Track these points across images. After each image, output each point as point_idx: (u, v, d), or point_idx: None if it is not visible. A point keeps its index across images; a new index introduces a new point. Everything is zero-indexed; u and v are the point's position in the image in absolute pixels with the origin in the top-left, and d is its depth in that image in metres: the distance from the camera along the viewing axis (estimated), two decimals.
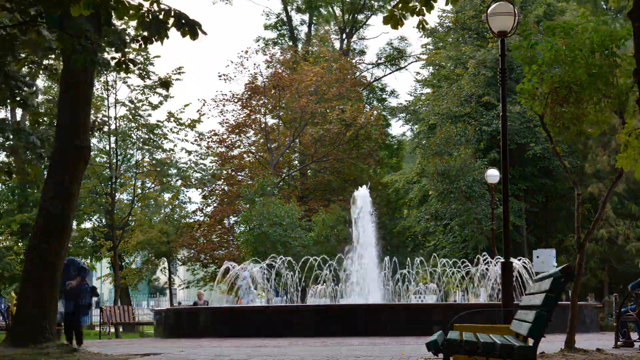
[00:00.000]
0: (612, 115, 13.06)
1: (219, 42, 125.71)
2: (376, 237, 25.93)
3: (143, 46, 9.84)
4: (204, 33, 9.34)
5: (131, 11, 9.22)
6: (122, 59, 11.90)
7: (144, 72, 33.52)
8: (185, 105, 39.07)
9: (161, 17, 9.31)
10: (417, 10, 9.15)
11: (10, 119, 32.31)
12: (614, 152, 31.62)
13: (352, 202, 25.79)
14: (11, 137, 17.20)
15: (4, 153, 27.30)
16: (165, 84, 24.14)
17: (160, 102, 36.39)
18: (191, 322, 22.43)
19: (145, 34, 9.51)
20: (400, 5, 9.06)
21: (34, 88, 16.31)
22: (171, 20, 9.29)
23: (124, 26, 17.96)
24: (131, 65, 11.91)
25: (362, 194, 25.88)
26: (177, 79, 35.36)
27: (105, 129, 35.90)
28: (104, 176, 36.75)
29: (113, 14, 9.53)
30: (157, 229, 39.34)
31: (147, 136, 37.41)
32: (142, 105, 36.44)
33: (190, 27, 9.25)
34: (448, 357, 6.35)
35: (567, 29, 12.91)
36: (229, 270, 25.66)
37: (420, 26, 9.42)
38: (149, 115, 37.07)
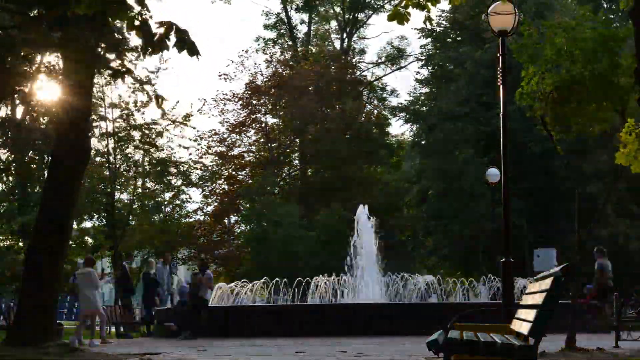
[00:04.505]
0: (613, 114, 13.07)
1: (219, 42, 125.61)
2: (376, 243, 25.84)
3: (142, 58, 9.99)
4: (199, 55, 9.54)
5: (130, 13, 9.24)
6: (119, 67, 11.96)
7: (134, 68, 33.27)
8: (177, 102, 39.00)
9: (162, 31, 9.39)
10: (422, 4, 9.13)
11: (10, 116, 32.26)
12: (613, 151, 31.57)
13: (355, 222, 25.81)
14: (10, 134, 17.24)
15: (4, 150, 27.28)
16: (158, 97, 23.65)
17: (150, 99, 35.87)
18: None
19: (150, 50, 9.60)
20: (404, 1, 9.05)
21: (36, 85, 16.39)
22: (172, 38, 9.39)
23: (124, 32, 17.94)
24: (127, 75, 12.00)
25: (361, 212, 25.90)
26: (164, 69, 35.12)
27: (103, 129, 35.85)
28: (104, 176, 36.71)
29: (110, 18, 9.61)
30: (157, 228, 39.31)
31: (140, 135, 37.24)
32: (133, 105, 36.19)
33: (189, 47, 9.42)
34: (449, 357, 6.34)
35: (568, 29, 12.92)
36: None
37: (426, 22, 9.43)
38: (143, 113, 36.85)
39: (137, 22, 9.32)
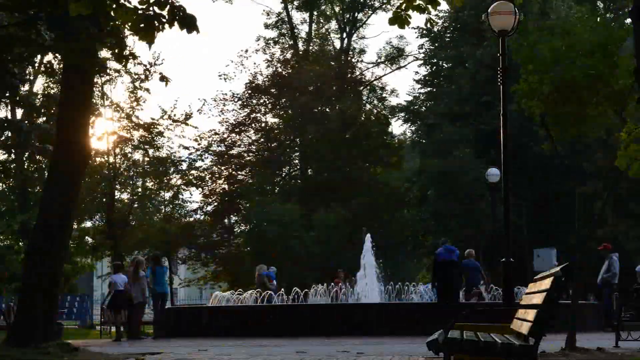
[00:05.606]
0: (612, 115, 13.07)
1: (219, 41, 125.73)
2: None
3: (140, 40, 9.62)
4: (197, 30, 9.07)
5: (131, 14, 9.13)
6: (123, 52, 11.86)
7: (127, 65, 33.06)
8: (176, 101, 38.80)
9: (156, 9, 9.03)
10: (422, 7, 9.15)
11: (9, 118, 32.22)
12: (611, 151, 31.54)
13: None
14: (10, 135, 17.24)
15: (3, 152, 27.23)
16: (163, 78, 23.57)
17: (140, 89, 35.50)
18: (192, 321, 22.42)
19: (142, 25, 9.30)
20: (404, 5, 9.06)
21: (29, 86, 16.40)
22: (166, 13, 9.01)
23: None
24: (131, 59, 11.91)
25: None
26: (158, 65, 34.87)
27: (104, 130, 35.77)
28: (104, 176, 36.69)
29: (112, 13, 9.49)
30: (157, 228, 39.33)
31: (141, 134, 37.18)
32: (132, 101, 36.08)
33: (186, 21, 8.96)
34: (449, 356, 6.34)
35: (566, 29, 12.92)
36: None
37: (428, 23, 9.48)
38: (141, 109, 36.74)
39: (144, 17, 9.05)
